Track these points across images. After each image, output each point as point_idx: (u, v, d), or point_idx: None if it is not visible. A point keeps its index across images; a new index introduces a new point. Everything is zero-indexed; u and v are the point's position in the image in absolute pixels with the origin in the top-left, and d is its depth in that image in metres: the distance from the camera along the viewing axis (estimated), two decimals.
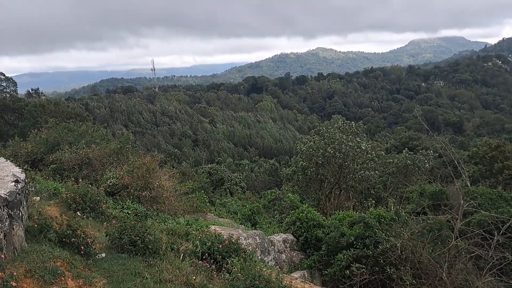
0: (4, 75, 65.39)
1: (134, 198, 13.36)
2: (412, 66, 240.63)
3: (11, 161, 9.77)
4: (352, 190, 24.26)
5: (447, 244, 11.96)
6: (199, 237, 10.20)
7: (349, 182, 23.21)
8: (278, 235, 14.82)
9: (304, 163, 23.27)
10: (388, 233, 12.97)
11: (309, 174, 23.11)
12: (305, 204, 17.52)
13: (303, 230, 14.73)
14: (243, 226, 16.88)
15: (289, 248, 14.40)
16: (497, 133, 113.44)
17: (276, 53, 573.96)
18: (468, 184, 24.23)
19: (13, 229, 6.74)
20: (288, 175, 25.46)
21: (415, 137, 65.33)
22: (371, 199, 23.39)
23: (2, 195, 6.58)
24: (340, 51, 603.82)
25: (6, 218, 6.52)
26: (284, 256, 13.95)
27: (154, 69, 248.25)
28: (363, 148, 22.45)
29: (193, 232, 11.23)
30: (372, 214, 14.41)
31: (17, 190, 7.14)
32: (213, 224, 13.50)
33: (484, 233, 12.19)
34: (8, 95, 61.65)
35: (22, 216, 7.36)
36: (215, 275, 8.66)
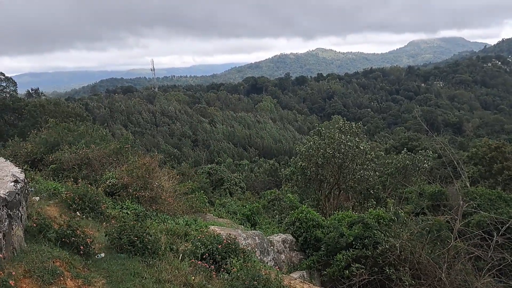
0: (4, 75, 65.37)
1: (133, 198, 13.36)
2: (411, 67, 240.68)
3: (11, 161, 9.75)
4: (351, 190, 24.29)
5: (446, 244, 11.97)
6: (198, 237, 10.20)
7: (348, 183, 23.23)
8: (278, 235, 14.82)
9: (304, 164, 23.29)
10: (387, 234, 12.98)
11: (309, 174, 23.13)
12: (304, 205, 17.54)
13: (302, 231, 14.72)
14: (242, 226, 16.88)
15: (288, 249, 14.40)
16: (496, 133, 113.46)
17: (276, 53, 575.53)
18: (468, 184, 24.24)
19: (12, 229, 6.74)
20: (287, 175, 25.47)
21: (415, 137, 65.26)
22: (372, 199, 23.40)
23: (2, 195, 6.58)
24: (339, 52, 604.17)
25: (5, 218, 6.52)
26: (283, 257, 13.95)
27: (154, 69, 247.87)
28: (362, 148, 22.47)
29: (192, 232, 11.23)
30: (371, 215, 14.42)
31: (17, 190, 7.13)
32: (213, 225, 13.51)
33: (483, 234, 12.20)
34: (8, 95, 61.68)
35: (21, 216, 7.35)
36: (214, 276, 8.67)
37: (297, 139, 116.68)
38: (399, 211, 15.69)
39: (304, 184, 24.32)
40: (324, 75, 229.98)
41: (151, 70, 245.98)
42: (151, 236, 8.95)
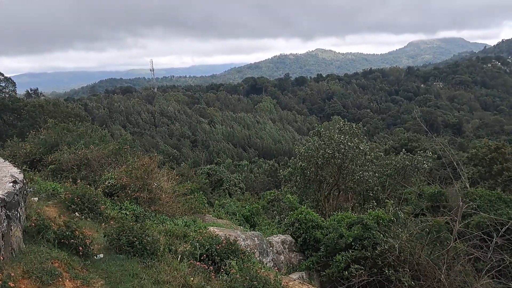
0: (3, 75, 65.22)
1: (132, 199, 13.33)
2: (411, 67, 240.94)
3: (10, 162, 9.73)
4: (351, 191, 24.28)
5: (445, 245, 11.97)
6: (197, 238, 10.19)
7: (348, 183, 23.22)
8: (277, 236, 14.81)
9: (303, 164, 23.28)
10: (386, 235, 12.98)
11: (308, 175, 23.13)
12: (304, 205, 17.51)
13: (301, 231, 14.72)
14: (241, 227, 16.87)
15: (287, 249, 14.38)
16: (496, 134, 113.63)
17: (275, 54, 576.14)
18: (467, 185, 24.25)
19: (11, 230, 6.72)
20: (286, 176, 25.46)
21: (414, 138, 65.30)
22: (373, 201, 23.36)
23: (0, 196, 6.56)
24: (339, 53, 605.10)
25: (4, 219, 6.50)
26: (283, 257, 13.94)
27: (153, 70, 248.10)
28: (362, 148, 22.46)
29: (191, 233, 11.21)
30: (371, 216, 14.40)
31: (15, 191, 7.12)
32: (212, 225, 13.49)
33: (483, 235, 12.21)
34: (7, 95, 61.50)
35: (20, 217, 7.33)
36: (213, 277, 8.65)
37: (296, 140, 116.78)
38: (399, 212, 15.70)
39: (303, 185, 24.30)
40: (324, 75, 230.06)
41: (150, 70, 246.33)
42: (150, 237, 8.93)
